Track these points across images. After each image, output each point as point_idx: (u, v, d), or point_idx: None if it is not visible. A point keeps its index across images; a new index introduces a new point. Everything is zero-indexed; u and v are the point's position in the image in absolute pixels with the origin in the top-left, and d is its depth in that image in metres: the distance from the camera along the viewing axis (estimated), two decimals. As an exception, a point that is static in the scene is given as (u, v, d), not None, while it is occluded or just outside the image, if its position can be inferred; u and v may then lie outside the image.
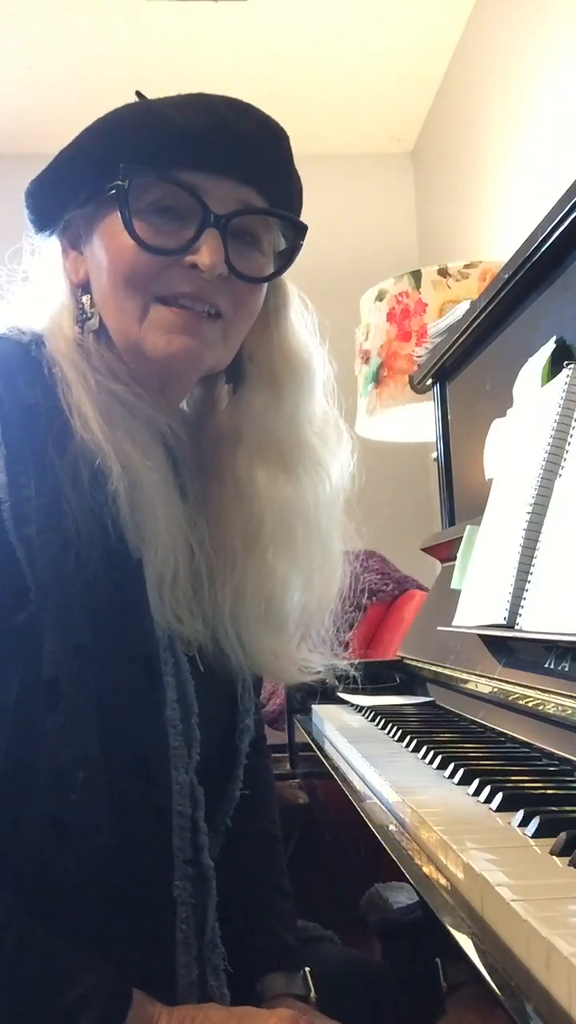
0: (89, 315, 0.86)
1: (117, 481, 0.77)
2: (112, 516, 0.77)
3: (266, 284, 0.89)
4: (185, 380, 0.90)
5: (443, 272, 2.31)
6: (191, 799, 0.79)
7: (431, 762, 0.97)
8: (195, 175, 0.82)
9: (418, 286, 2.32)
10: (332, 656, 1.02)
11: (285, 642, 0.96)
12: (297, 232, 0.89)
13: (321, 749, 1.31)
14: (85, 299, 0.87)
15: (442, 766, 0.93)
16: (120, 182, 0.81)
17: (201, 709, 0.83)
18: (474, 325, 1.59)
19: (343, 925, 1.16)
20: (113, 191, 0.82)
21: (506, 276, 1.40)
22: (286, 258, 0.90)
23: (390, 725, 1.22)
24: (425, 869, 0.70)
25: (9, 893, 0.70)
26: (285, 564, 0.92)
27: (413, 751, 1.05)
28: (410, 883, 0.71)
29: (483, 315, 1.54)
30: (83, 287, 0.88)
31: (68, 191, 0.86)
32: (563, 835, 0.64)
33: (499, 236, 2.55)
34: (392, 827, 0.82)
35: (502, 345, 1.53)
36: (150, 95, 0.86)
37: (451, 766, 0.91)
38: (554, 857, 0.63)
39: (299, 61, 2.99)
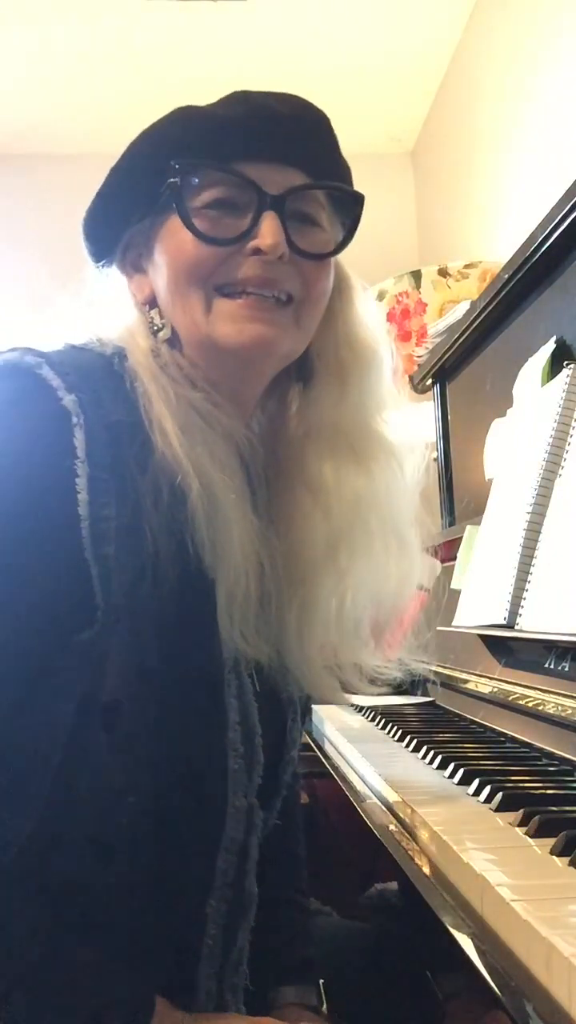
0: (160, 326, 0.85)
1: (196, 499, 0.75)
2: (190, 535, 0.75)
3: (333, 262, 0.88)
4: (261, 372, 0.88)
5: (443, 272, 2.31)
6: (246, 823, 0.77)
7: (431, 762, 0.97)
8: (244, 164, 0.81)
9: (418, 286, 2.33)
10: (409, 658, 0.99)
11: (357, 649, 0.93)
12: (354, 203, 0.88)
13: (321, 749, 1.31)
14: (153, 313, 0.86)
15: (442, 766, 0.93)
16: (173, 179, 0.81)
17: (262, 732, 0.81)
18: (474, 325, 1.59)
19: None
20: (167, 191, 0.82)
21: (506, 276, 1.40)
22: (347, 231, 0.88)
23: (390, 725, 1.22)
24: (425, 869, 0.70)
25: (39, 903, 0.69)
26: (360, 564, 0.89)
27: (413, 751, 1.05)
28: (410, 883, 0.71)
29: (483, 315, 1.54)
30: (150, 303, 0.87)
31: (123, 209, 0.86)
32: (563, 835, 0.64)
33: (499, 236, 2.55)
34: (392, 827, 0.82)
35: (502, 345, 1.54)
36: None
37: (451, 766, 0.91)
38: (554, 857, 0.63)
39: (299, 61, 2.99)
